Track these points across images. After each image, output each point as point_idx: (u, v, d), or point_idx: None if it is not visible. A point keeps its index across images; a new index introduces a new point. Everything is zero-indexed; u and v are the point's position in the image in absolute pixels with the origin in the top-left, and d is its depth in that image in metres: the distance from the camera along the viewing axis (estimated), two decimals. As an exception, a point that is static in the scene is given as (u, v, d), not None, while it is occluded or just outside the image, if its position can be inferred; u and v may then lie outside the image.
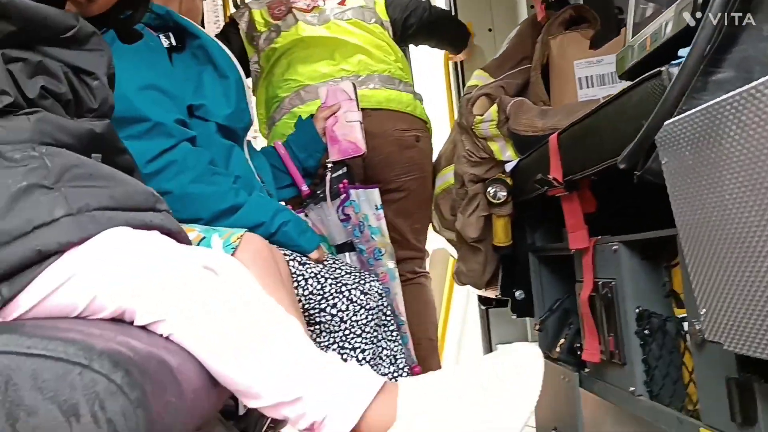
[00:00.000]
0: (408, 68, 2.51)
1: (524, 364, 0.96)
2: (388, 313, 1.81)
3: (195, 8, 1.94)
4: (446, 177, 2.37)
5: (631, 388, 1.31)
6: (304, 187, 2.12)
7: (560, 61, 1.99)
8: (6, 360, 0.59)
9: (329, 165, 2.10)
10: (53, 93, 0.93)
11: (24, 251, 0.79)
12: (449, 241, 2.40)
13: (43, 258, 0.80)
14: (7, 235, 0.79)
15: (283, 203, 1.95)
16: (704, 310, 0.91)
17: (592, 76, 1.95)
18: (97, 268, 0.82)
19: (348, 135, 2.08)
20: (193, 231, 1.47)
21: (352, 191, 2.14)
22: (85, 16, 1.01)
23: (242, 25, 2.41)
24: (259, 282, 0.97)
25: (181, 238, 0.96)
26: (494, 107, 1.78)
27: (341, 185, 2.12)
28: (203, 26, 2.27)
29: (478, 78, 2.13)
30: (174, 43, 1.74)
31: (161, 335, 0.83)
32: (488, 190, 1.92)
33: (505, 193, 1.91)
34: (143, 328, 0.83)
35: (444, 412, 0.94)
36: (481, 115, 1.81)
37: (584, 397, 1.64)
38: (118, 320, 0.83)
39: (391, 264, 2.18)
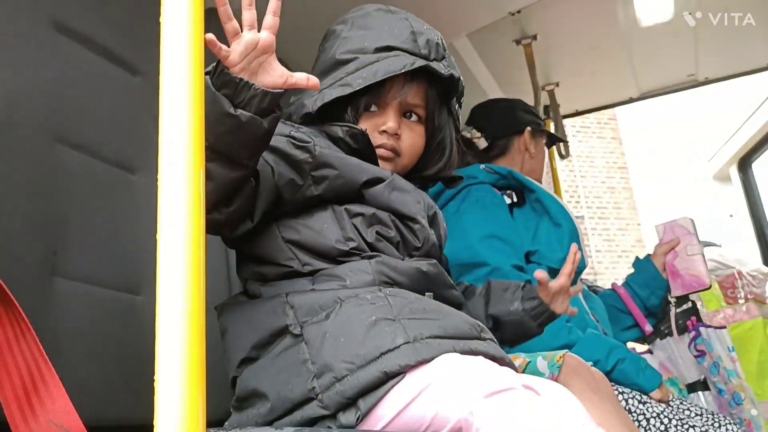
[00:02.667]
0: None
1: None
2: (754, 462, 1.66)
3: (536, 169, 2.15)
4: None
5: None
6: (648, 327, 2.10)
7: None
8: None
9: (672, 300, 2.07)
10: (385, 237, 1.16)
11: (374, 373, 0.98)
12: None
13: (388, 378, 0.98)
14: (362, 359, 0.99)
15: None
16: None
17: None
18: (440, 386, 0.96)
19: (690, 269, 2.04)
20: (518, 358, 1.57)
21: (702, 329, 2.05)
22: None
23: None
24: (579, 395, 1.02)
25: (505, 364, 1.06)
26: None
27: (689, 321, 2.06)
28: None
29: None
30: (515, 200, 1.96)
31: None
32: None
33: None
34: None
35: None
36: None
37: None
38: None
39: (754, 411, 2.00)
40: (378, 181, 1.20)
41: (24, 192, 1.16)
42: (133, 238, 1.36)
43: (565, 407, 0.98)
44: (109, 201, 1.35)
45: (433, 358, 0.99)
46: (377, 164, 1.25)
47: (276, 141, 1.12)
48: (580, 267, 1.96)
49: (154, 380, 0.90)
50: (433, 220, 1.27)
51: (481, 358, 1.02)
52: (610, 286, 2.22)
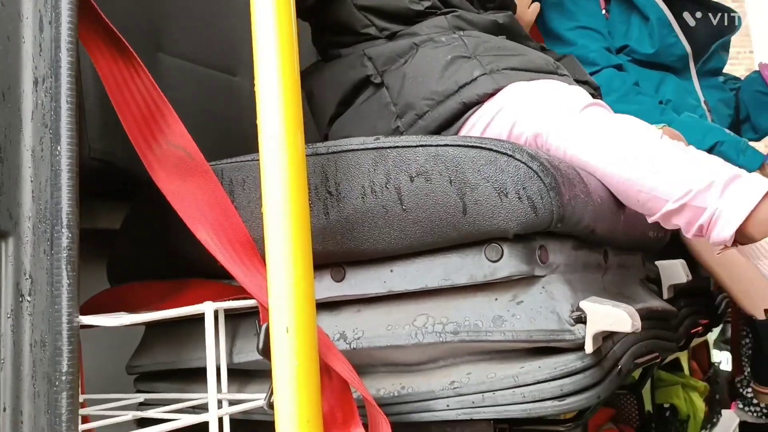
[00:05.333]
0: None
1: None
2: None
3: None
4: None
5: None
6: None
7: None
8: (455, 151, 0.81)
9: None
10: None
11: (453, 105, 1.03)
12: None
13: (467, 109, 1.04)
14: (441, 95, 1.04)
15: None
16: None
17: None
18: (514, 104, 1.01)
19: None
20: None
21: None
22: None
23: None
24: None
25: None
26: None
27: None
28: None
29: None
30: None
31: None
32: None
33: None
34: None
35: None
36: None
37: None
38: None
39: None
40: None
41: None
42: (230, 23, 1.42)
43: (636, 121, 0.99)
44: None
45: (509, 85, 1.03)
46: None
47: None
48: (677, 55, 1.88)
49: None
50: None
51: (551, 80, 1.05)
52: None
